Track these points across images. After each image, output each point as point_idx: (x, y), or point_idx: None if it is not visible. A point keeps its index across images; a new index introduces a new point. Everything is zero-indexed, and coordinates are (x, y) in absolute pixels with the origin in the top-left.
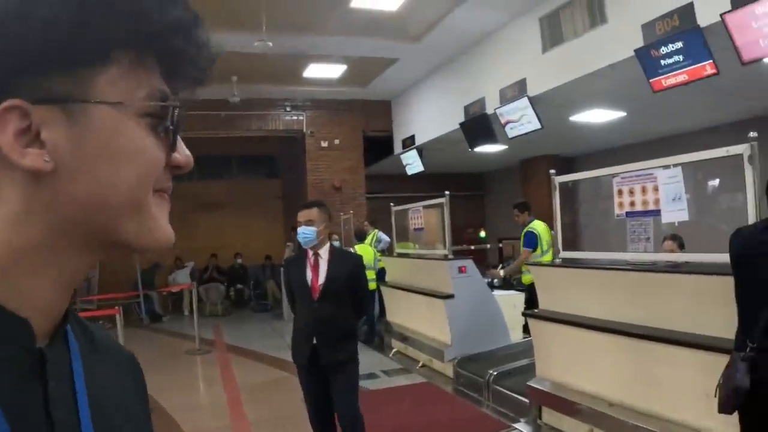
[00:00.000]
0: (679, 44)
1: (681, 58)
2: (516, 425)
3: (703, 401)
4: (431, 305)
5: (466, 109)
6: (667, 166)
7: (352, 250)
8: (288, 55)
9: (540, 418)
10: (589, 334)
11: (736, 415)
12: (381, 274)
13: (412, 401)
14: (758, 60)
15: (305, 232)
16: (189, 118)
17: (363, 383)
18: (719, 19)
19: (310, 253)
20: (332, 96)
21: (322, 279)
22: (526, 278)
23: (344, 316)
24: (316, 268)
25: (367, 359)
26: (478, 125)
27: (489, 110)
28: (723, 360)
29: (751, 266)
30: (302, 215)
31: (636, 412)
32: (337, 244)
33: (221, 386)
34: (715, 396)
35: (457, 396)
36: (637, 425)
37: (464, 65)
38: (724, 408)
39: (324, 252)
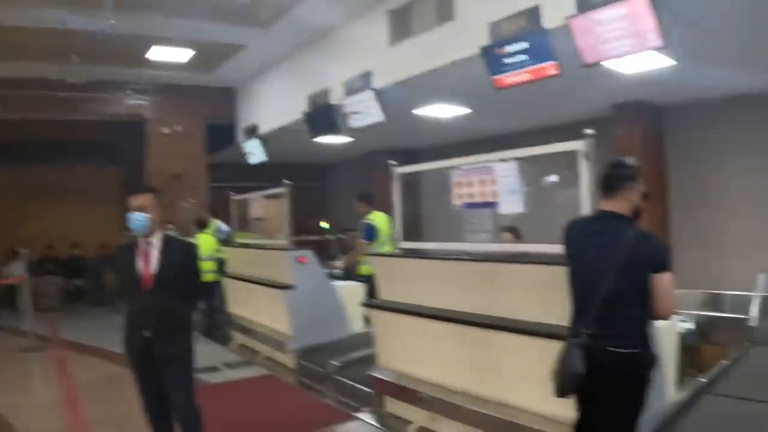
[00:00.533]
0: (524, 44)
1: (525, 57)
2: (359, 415)
3: (541, 386)
4: (272, 296)
5: (311, 99)
6: (504, 160)
7: (192, 239)
8: (131, 36)
9: (382, 407)
10: (429, 323)
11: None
12: (221, 264)
13: (253, 394)
14: (599, 63)
15: (137, 218)
16: (21, 99)
17: (203, 376)
18: (564, 22)
19: (142, 240)
20: (176, 81)
21: (153, 268)
22: (364, 269)
23: (177, 307)
24: (147, 256)
25: (208, 352)
26: (322, 116)
27: (333, 101)
28: (559, 347)
29: (583, 256)
30: (135, 201)
31: (477, 399)
32: (172, 233)
33: (57, 385)
34: (552, 381)
35: (300, 387)
36: (478, 411)
37: (311, 55)
38: (561, 392)
39: (156, 240)
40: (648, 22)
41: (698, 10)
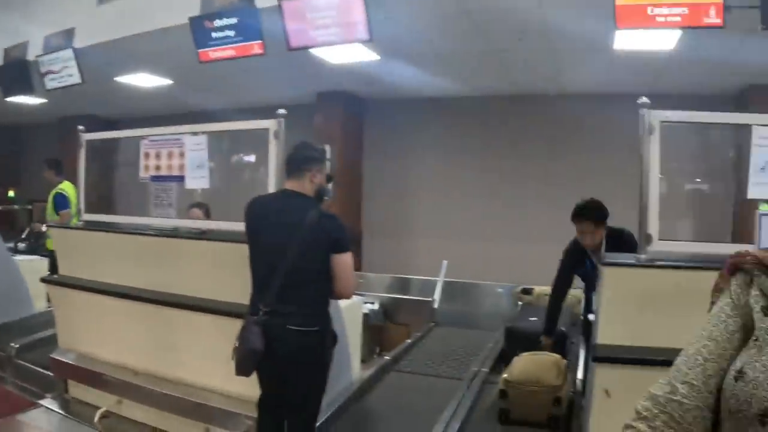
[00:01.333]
0: (233, 20)
1: (232, 33)
2: (42, 401)
3: (225, 365)
4: None
5: (6, 51)
6: (195, 133)
7: None
8: None
9: (66, 392)
10: (111, 301)
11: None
12: None
13: None
14: (306, 48)
15: None
16: None
17: None
18: (277, 2)
19: None
20: None
21: None
22: (49, 243)
23: None
24: None
25: None
26: (16, 72)
27: (30, 57)
28: (240, 324)
29: (265, 234)
30: None
31: (163, 380)
32: None
33: None
34: (233, 359)
35: None
36: (164, 393)
37: (12, 2)
38: (242, 370)
39: None
40: (358, 14)
41: (406, 12)
